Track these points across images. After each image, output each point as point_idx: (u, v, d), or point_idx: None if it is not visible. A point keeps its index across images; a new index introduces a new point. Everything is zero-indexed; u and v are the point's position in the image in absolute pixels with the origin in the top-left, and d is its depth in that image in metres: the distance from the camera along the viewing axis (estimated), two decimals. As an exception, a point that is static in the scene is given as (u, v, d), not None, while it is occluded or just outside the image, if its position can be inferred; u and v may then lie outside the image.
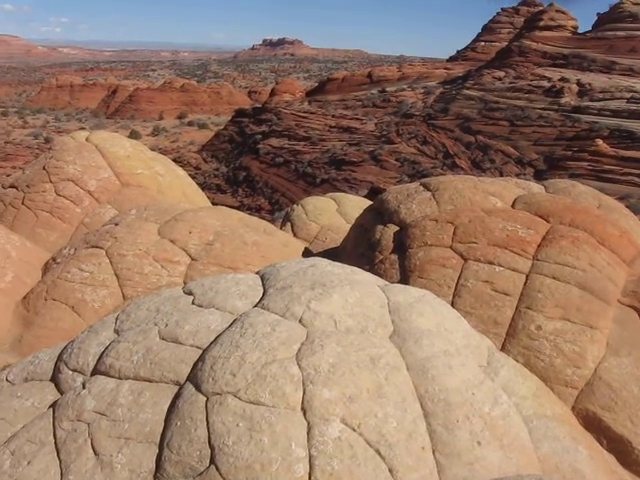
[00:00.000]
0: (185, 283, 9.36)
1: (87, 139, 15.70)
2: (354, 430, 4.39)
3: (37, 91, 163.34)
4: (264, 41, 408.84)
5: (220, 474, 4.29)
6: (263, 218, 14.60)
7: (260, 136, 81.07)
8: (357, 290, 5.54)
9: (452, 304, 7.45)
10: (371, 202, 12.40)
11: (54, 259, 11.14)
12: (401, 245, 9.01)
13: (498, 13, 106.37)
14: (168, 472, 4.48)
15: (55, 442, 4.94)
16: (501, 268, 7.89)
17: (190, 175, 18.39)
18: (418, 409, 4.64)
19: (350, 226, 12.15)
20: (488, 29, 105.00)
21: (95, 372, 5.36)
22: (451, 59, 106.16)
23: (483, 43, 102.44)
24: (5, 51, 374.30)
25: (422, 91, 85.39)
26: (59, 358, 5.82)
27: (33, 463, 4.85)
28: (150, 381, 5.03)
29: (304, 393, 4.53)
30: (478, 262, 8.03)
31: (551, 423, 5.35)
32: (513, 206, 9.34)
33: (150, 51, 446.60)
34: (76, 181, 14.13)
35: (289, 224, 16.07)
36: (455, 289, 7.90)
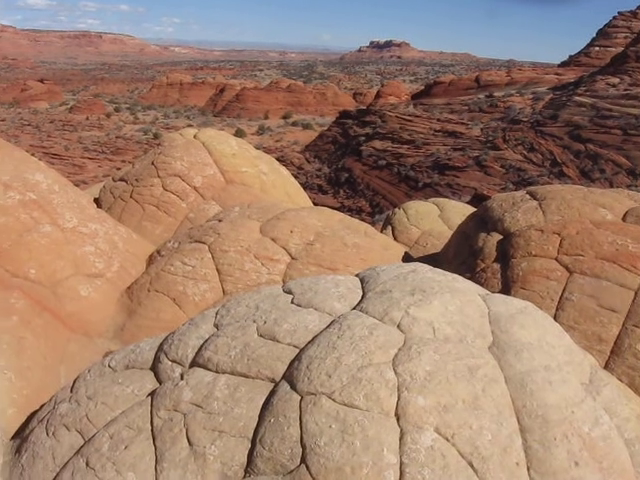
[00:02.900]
0: (284, 282, 9.45)
1: (195, 136, 16.06)
2: (447, 440, 4.32)
3: (148, 88, 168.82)
4: (371, 43, 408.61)
5: (310, 474, 4.31)
6: (363, 220, 14.58)
7: (364, 138, 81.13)
8: (457, 298, 5.45)
9: (555, 318, 7.24)
10: (474, 209, 12.21)
11: (158, 252, 11.45)
12: (504, 254, 8.83)
13: (614, 17, 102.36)
14: (259, 467, 4.53)
15: (152, 429, 5.09)
16: (608, 283, 7.61)
17: (293, 175, 18.55)
18: (514, 424, 4.52)
19: (452, 232, 12.00)
20: (603, 34, 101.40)
21: (193, 364, 5.48)
22: (563, 64, 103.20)
23: (597, 48, 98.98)
24: (120, 50, 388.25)
25: (531, 97, 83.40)
26: (160, 348, 5.98)
27: (130, 448, 5.01)
28: (246, 377, 5.09)
29: (399, 399, 4.48)
30: (584, 276, 7.78)
31: (655, 448, 5.12)
32: (624, 219, 8.99)
33: (258, 51, 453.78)
34: (183, 177, 14.49)
35: (390, 227, 15.98)
36: (559, 302, 7.68)
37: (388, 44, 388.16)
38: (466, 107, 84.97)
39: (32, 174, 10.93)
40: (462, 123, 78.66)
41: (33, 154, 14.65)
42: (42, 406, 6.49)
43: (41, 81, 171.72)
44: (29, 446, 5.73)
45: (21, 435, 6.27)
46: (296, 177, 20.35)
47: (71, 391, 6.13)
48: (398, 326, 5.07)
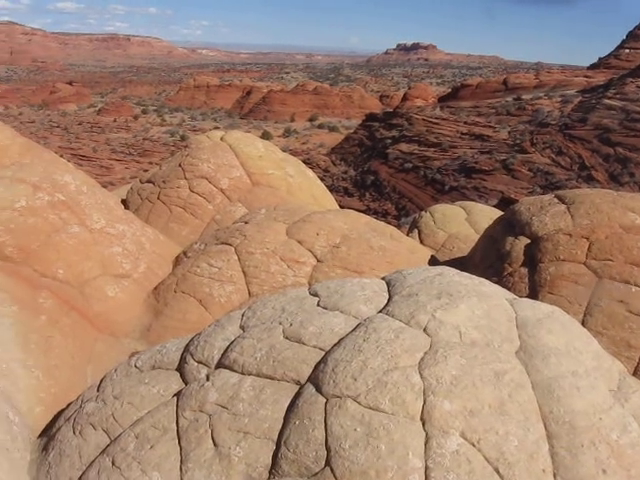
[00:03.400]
0: (310, 284, 9.46)
1: (222, 138, 16.15)
2: (473, 445, 4.29)
3: (176, 91, 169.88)
4: (398, 46, 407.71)
5: (334, 476, 4.31)
6: (389, 223, 14.56)
7: (390, 141, 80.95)
8: (484, 302, 5.41)
9: (582, 323, 7.18)
10: (502, 212, 12.14)
11: (185, 253, 11.52)
12: (532, 258, 8.77)
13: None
14: (283, 469, 4.54)
15: (177, 430, 5.12)
16: (638, 288, 7.53)
17: (319, 177, 18.57)
18: (541, 429, 4.48)
19: (479, 236, 11.94)
20: (634, 36, 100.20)
21: (219, 365, 5.51)
22: (592, 67, 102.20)
23: (628, 50, 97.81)
24: (148, 52, 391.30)
25: (559, 99, 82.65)
26: (186, 349, 6.01)
27: (155, 448, 5.04)
28: (272, 378, 5.11)
29: (424, 403, 4.47)
30: (613, 281, 7.70)
31: (685, 456, 5.04)
32: (654, 224, 8.88)
33: (285, 54, 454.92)
34: (209, 179, 14.57)
35: (416, 231, 15.93)
36: (587, 307, 7.61)
37: (415, 47, 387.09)
38: (493, 110, 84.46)
39: (61, 175, 11.04)
40: (489, 126, 78.17)
41: (62, 155, 14.83)
42: (69, 405, 6.56)
43: (70, 83, 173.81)
44: (56, 444, 5.79)
45: (48, 433, 6.34)
46: (322, 180, 20.37)
47: (98, 390, 6.19)
48: (424, 330, 5.05)
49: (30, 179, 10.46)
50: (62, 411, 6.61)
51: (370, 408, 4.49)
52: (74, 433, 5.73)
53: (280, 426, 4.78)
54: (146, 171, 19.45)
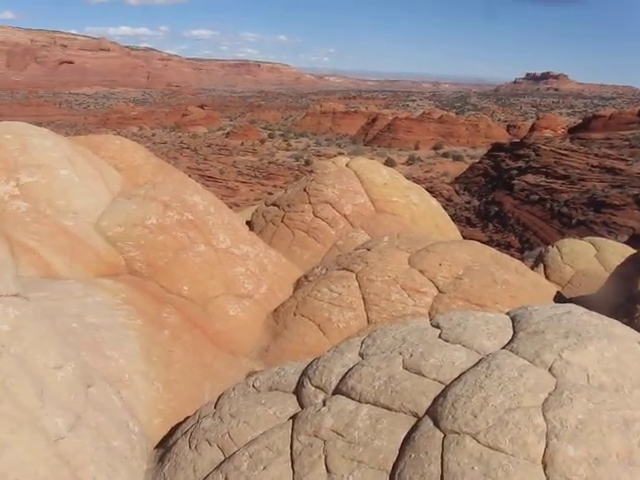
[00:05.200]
0: (430, 314, 9.34)
1: (347, 165, 16.32)
2: (598, 495, 4.09)
3: (302, 116, 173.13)
4: (527, 75, 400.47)
5: (448, 514, 4.21)
6: (512, 256, 14.24)
7: (516, 171, 79.50)
8: (615, 344, 5.15)
9: None
10: (634, 250, 11.63)
11: (306, 277, 11.64)
12: (666, 300, 8.34)
13: None
14: (395, 502, 4.47)
15: (291, 453, 5.14)
16: None
17: (441, 206, 18.41)
18: (672, 483, 4.21)
19: (609, 274, 11.49)
20: None
21: (336, 391, 5.51)
22: None
23: None
24: (277, 78, 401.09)
25: (700, 133, 78.88)
26: (304, 373, 6.05)
27: (268, 469, 5.08)
28: (389, 409, 5.06)
29: (547, 446, 4.29)
30: None
31: None
32: None
33: (412, 82, 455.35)
34: (333, 204, 14.72)
35: (542, 265, 15.50)
36: None
37: (545, 76, 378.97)
38: (627, 142, 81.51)
39: (190, 195, 11.43)
40: (622, 159, 75.37)
41: (190, 175, 15.37)
42: (186, 419, 6.72)
43: (201, 107, 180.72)
44: (172, 457, 5.94)
45: (165, 445, 6.51)
46: (445, 209, 20.18)
47: (215, 407, 6.31)
48: (550, 369, 4.86)
49: (161, 198, 10.88)
50: (179, 424, 6.79)
51: (489, 447, 4.36)
52: (190, 447, 5.86)
53: (395, 458, 4.72)
54: (270, 194, 19.88)
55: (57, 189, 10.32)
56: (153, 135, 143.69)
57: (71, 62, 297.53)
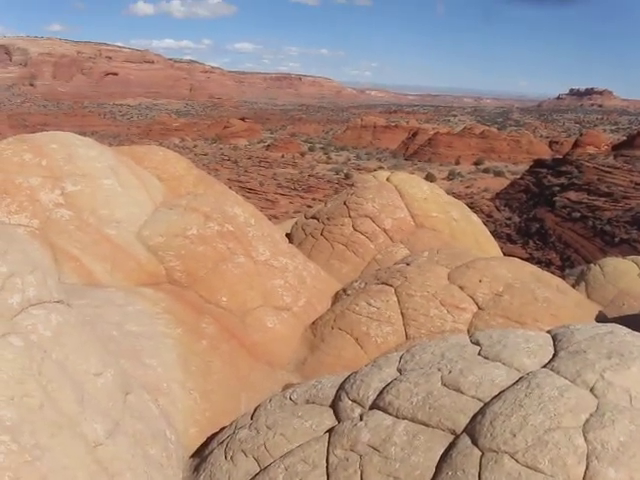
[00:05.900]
0: (469, 331, 9.27)
1: (387, 179, 16.31)
2: (639, 520, 4.00)
3: (343, 130, 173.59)
4: (571, 90, 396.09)
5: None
6: (553, 273, 14.07)
7: (558, 188, 78.63)
8: (658, 366, 5.06)
9: None
10: (679, 270, 11.40)
11: (344, 290, 11.63)
12: None
13: None
14: (434, 519, 4.44)
15: (327, 467, 5.13)
16: None
17: (482, 222, 18.28)
18: None
19: (653, 294, 11.28)
20: None
21: (374, 406, 5.49)
22: None
23: None
24: (318, 92, 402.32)
25: None
26: (341, 387, 6.04)
27: (303, 482, 5.07)
28: (426, 425, 5.02)
29: (587, 468, 4.21)
30: None
31: None
32: None
33: (453, 97, 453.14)
34: (373, 218, 14.71)
35: (583, 284, 15.23)
36: None
37: (589, 92, 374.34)
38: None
39: (231, 207, 11.52)
40: (667, 177, 74.15)
41: (230, 187, 15.48)
42: (222, 429, 6.75)
43: (242, 119, 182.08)
44: (207, 466, 5.96)
45: (201, 455, 6.54)
46: (485, 225, 20.02)
47: (251, 418, 6.34)
48: (591, 390, 4.78)
49: (202, 209, 10.98)
50: (215, 435, 6.82)
51: (528, 467, 4.30)
52: (225, 458, 5.88)
53: (431, 475, 4.69)
54: (310, 207, 19.92)
55: (100, 198, 10.49)
56: (195, 147, 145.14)
57: (115, 74, 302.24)
